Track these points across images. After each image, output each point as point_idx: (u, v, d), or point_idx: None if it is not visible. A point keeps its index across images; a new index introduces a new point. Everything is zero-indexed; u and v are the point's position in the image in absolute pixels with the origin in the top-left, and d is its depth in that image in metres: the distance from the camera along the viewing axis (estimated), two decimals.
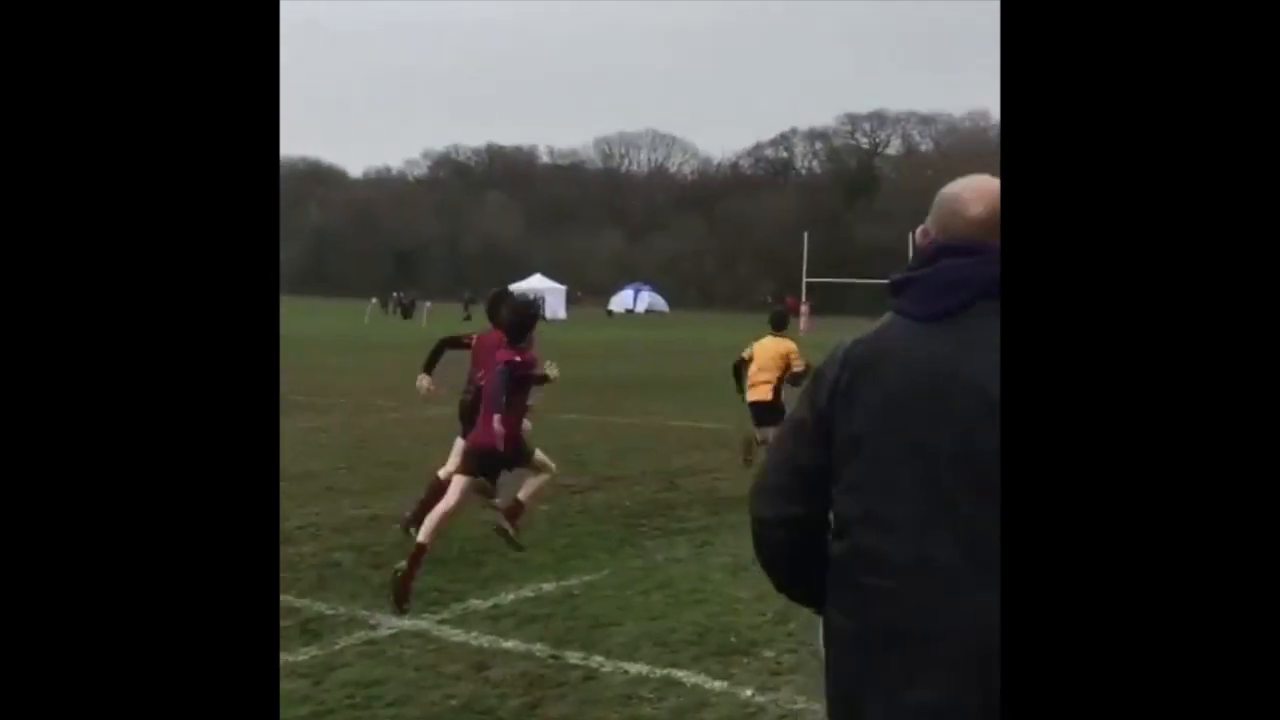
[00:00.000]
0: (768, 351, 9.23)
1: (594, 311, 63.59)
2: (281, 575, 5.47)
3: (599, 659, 4.93)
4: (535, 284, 63.42)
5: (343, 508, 8.14)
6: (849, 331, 2.05)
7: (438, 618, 5.51)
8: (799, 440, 1.99)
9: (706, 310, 68.72)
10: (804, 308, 52.16)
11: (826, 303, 56.79)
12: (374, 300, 57.94)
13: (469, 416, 6.94)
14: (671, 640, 5.19)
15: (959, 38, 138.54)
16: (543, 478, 6.55)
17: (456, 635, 5.25)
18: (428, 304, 53.83)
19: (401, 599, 5.57)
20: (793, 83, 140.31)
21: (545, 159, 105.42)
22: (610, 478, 9.78)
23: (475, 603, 5.78)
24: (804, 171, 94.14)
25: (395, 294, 62.49)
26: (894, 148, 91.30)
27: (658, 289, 73.95)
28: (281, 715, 3.74)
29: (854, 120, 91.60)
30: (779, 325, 9.40)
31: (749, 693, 4.56)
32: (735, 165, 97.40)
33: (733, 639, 5.23)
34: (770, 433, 8.26)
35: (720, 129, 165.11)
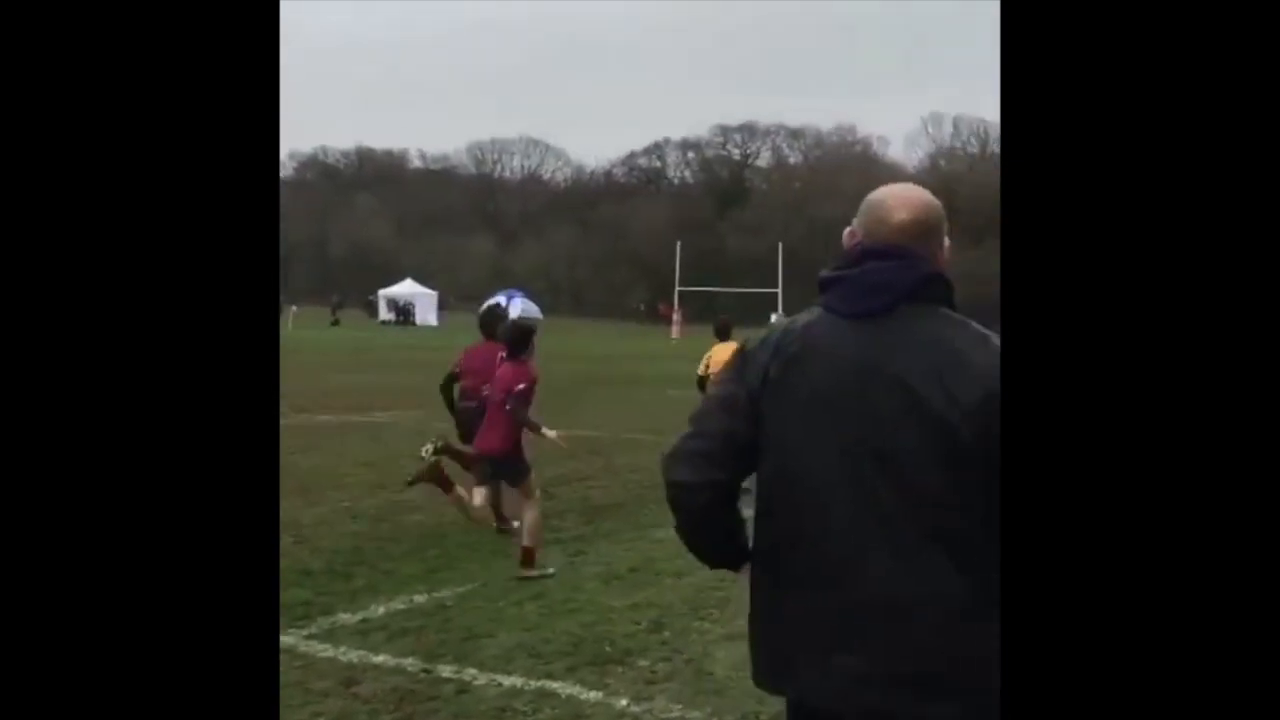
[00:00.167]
0: (725, 356, 9.36)
1: (467, 319, 62.84)
2: None
3: (472, 671, 4.86)
4: (406, 289, 62.37)
5: None
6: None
7: (305, 632, 5.36)
8: (733, 413, 2.09)
9: (579, 317, 68.63)
10: (676, 315, 52.75)
11: (699, 312, 57.39)
12: None
13: (470, 426, 7.25)
14: (546, 651, 5.15)
15: (829, 51, 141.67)
16: (532, 514, 6.59)
17: (324, 650, 5.12)
18: (294, 308, 52.45)
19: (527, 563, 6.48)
20: (665, 92, 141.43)
21: (417, 163, 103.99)
22: None
23: (344, 616, 5.65)
24: (676, 181, 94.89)
25: None
26: (764, 159, 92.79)
27: (530, 295, 73.52)
28: None
29: (725, 131, 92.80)
30: (724, 334, 9.73)
31: (624, 702, 4.55)
32: (609, 173, 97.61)
33: (607, 648, 5.22)
34: None
35: (593, 137, 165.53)
